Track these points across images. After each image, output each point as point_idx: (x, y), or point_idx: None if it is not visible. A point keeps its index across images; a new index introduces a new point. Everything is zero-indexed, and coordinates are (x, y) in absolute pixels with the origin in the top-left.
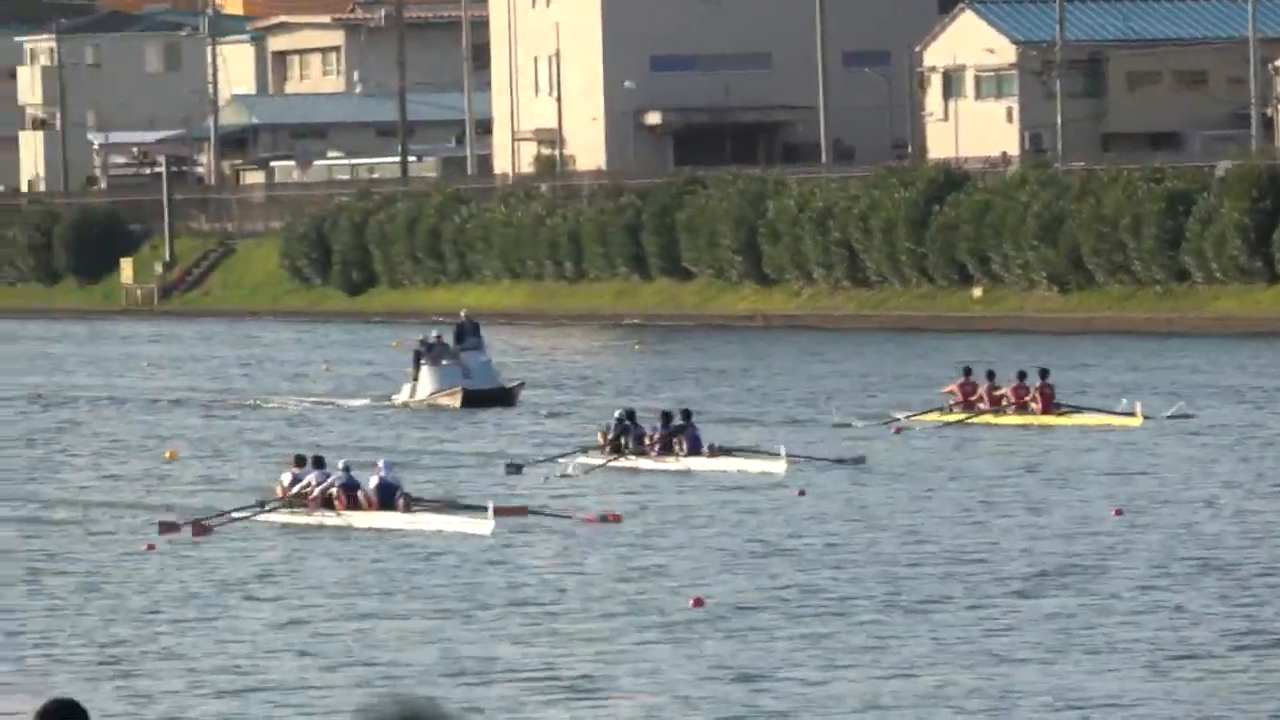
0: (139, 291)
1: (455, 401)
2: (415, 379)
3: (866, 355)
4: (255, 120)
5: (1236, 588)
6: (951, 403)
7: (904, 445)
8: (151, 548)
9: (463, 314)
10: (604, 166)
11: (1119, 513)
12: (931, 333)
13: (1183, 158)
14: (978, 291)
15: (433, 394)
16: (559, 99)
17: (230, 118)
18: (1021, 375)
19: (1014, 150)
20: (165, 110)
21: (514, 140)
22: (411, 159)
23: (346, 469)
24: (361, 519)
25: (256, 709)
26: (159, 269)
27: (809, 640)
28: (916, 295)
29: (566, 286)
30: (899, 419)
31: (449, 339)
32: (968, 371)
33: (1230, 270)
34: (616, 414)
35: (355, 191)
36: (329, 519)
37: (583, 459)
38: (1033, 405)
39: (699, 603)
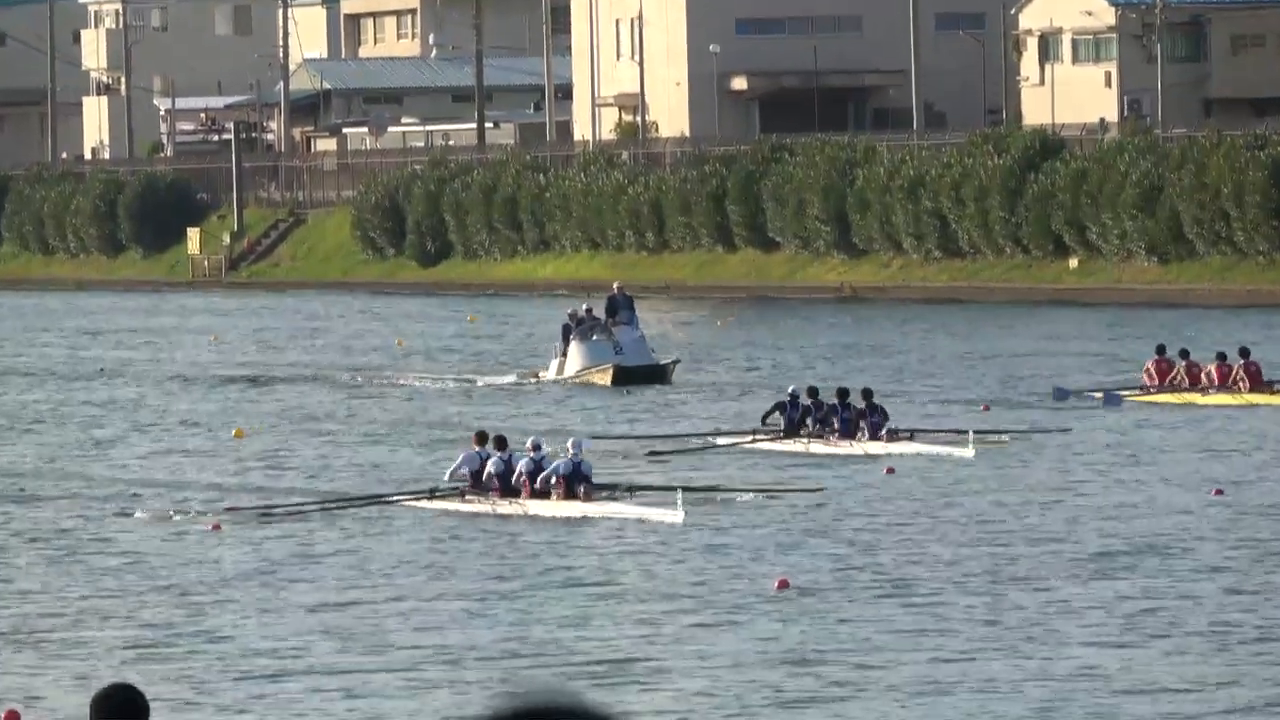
0: (206, 262)
1: (606, 379)
2: (563, 354)
3: (983, 330)
4: (327, 85)
5: None
6: (1147, 382)
7: (1122, 420)
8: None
9: (615, 286)
10: (687, 133)
11: (1219, 492)
12: (1026, 305)
13: None
14: (1074, 263)
15: (582, 370)
16: (641, 63)
17: (301, 83)
18: (1221, 356)
19: (1112, 116)
20: (234, 75)
21: (594, 106)
22: (488, 125)
23: (537, 447)
24: (543, 508)
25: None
26: (227, 239)
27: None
28: (1010, 266)
29: (648, 257)
30: (1099, 395)
31: (600, 312)
32: (1161, 350)
33: None
34: (791, 390)
35: (430, 159)
36: (505, 507)
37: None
38: (1239, 384)
39: (784, 584)
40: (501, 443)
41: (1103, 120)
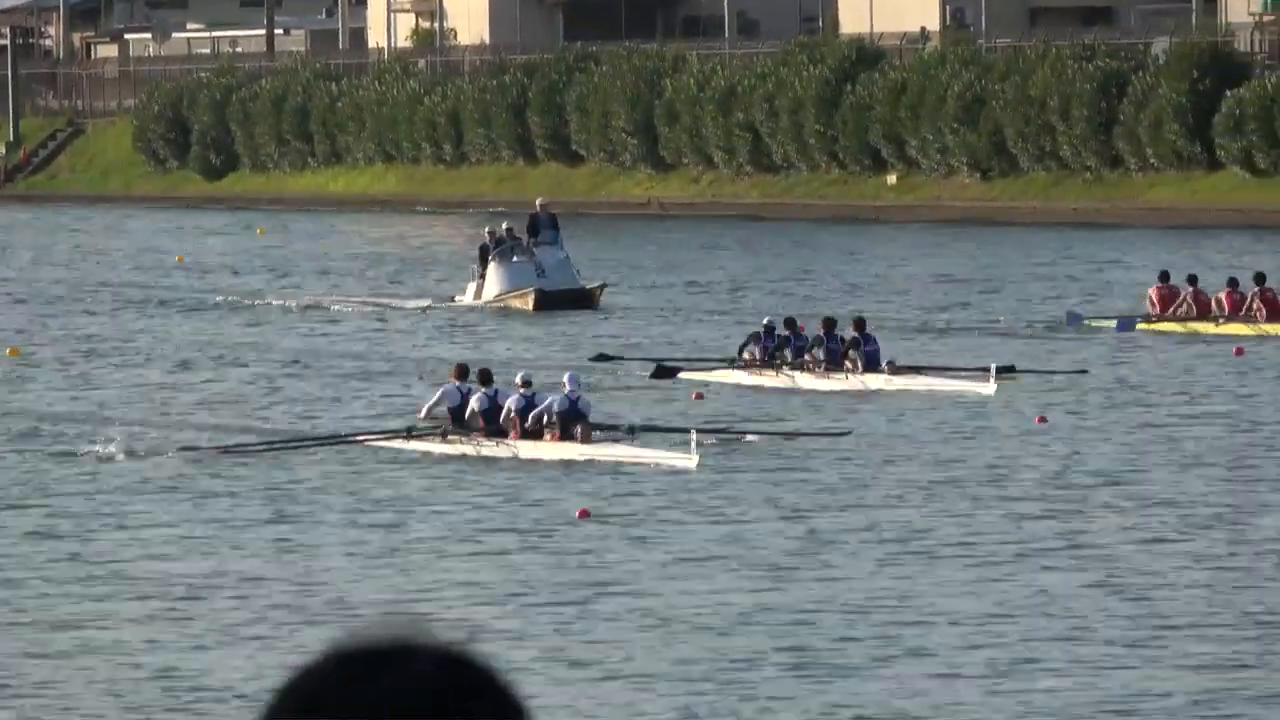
0: None
1: (528, 304)
2: (481, 277)
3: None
4: None
5: None
6: (1149, 310)
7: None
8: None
9: (538, 203)
10: (487, 40)
11: (1042, 420)
12: (844, 222)
13: (1116, 34)
14: (892, 178)
15: (501, 295)
16: None
17: None
18: (1232, 281)
19: (933, 25)
20: None
21: (390, 12)
22: (278, 32)
23: (527, 383)
24: (536, 449)
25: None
26: (2, 150)
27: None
28: (826, 182)
29: (444, 171)
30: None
31: (521, 232)
32: (1165, 276)
33: (1167, 157)
34: (766, 321)
35: (216, 67)
36: (492, 448)
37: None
38: (1257, 313)
39: (584, 514)
40: (486, 377)
41: (923, 29)
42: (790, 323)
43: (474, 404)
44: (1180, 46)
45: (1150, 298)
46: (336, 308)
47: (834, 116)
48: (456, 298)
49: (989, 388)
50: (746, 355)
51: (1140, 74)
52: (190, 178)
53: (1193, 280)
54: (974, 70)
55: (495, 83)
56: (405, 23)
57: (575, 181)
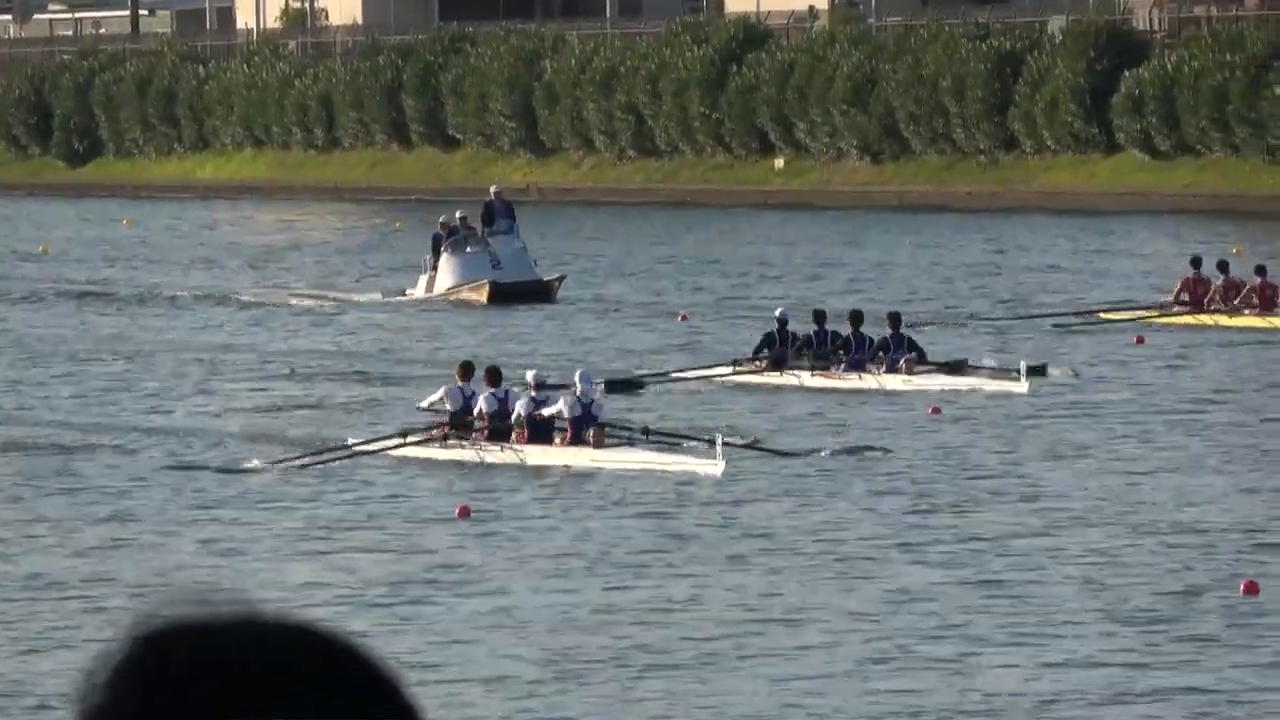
0: None
1: (482, 296)
2: (434, 269)
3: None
4: None
5: None
6: (1174, 302)
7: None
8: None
9: (493, 190)
10: (360, 20)
11: (935, 411)
12: (728, 208)
13: (1011, 13)
14: (780, 162)
15: (454, 287)
16: None
17: None
18: (1260, 270)
19: (822, 4)
20: None
21: None
22: (143, 12)
23: (540, 384)
24: (545, 455)
25: None
26: None
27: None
28: (711, 166)
29: (316, 156)
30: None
31: (475, 221)
32: (1196, 264)
33: (1064, 139)
34: (779, 312)
35: (79, 49)
36: (497, 453)
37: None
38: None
39: (464, 512)
40: (494, 376)
41: (811, 8)
42: (819, 317)
43: (482, 405)
44: (1077, 25)
45: (1181, 287)
46: (278, 300)
47: (719, 98)
48: (408, 291)
49: (1021, 386)
50: (762, 356)
51: (1036, 54)
52: (52, 164)
53: (1223, 268)
54: (864, 50)
55: (368, 64)
56: (274, 2)
57: (451, 167)
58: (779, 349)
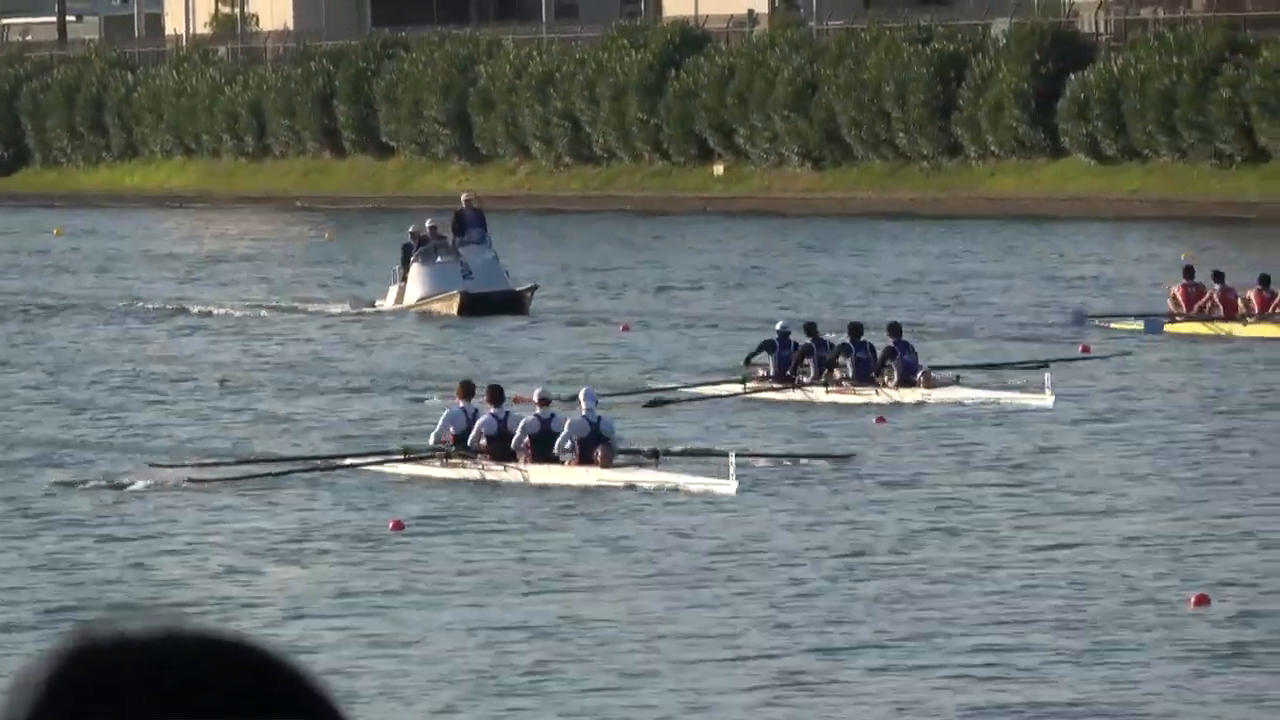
0: None
1: (452, 308)
2: (403, 279)
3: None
4: None
5: None
6: (1172, 310)
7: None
8: None
9: (463, 198)
10: (291, 26)
11: (880, 420)
12: (667, 215)
13: (954, 15)
14: (719, 168)
15: (424, 298)
16: None
17: None
18: (1264, 279)
19: (761, 8)
20: None
21: None
22: (70, 18)
23: (545, 401)
24: (549, 474)
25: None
26: None
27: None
28: (649, 173)
29: (246, 164)
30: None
31: (446, 230)
32: (1189, 272)
33: (1008, 144)
34: (779, 326)
35: (5, 55)
36: (500, 472)
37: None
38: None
39: (398, 525)
40: (496, 395)
41: (751, 11)
42: (811, 328)
43: (480, 426)
44: (1021, 28)
45: (1174, 295)
46: (238, 312)
47: (657, 104)
48: (377, 302)
49: (1046, 399)
50: (755, 362)
51: (979, 57)
52: None
53: (1219, 277)
54: (804, 54)
55: (300, 71)
56: (204, 8)
57: (384, 175)
58: (780, 358)
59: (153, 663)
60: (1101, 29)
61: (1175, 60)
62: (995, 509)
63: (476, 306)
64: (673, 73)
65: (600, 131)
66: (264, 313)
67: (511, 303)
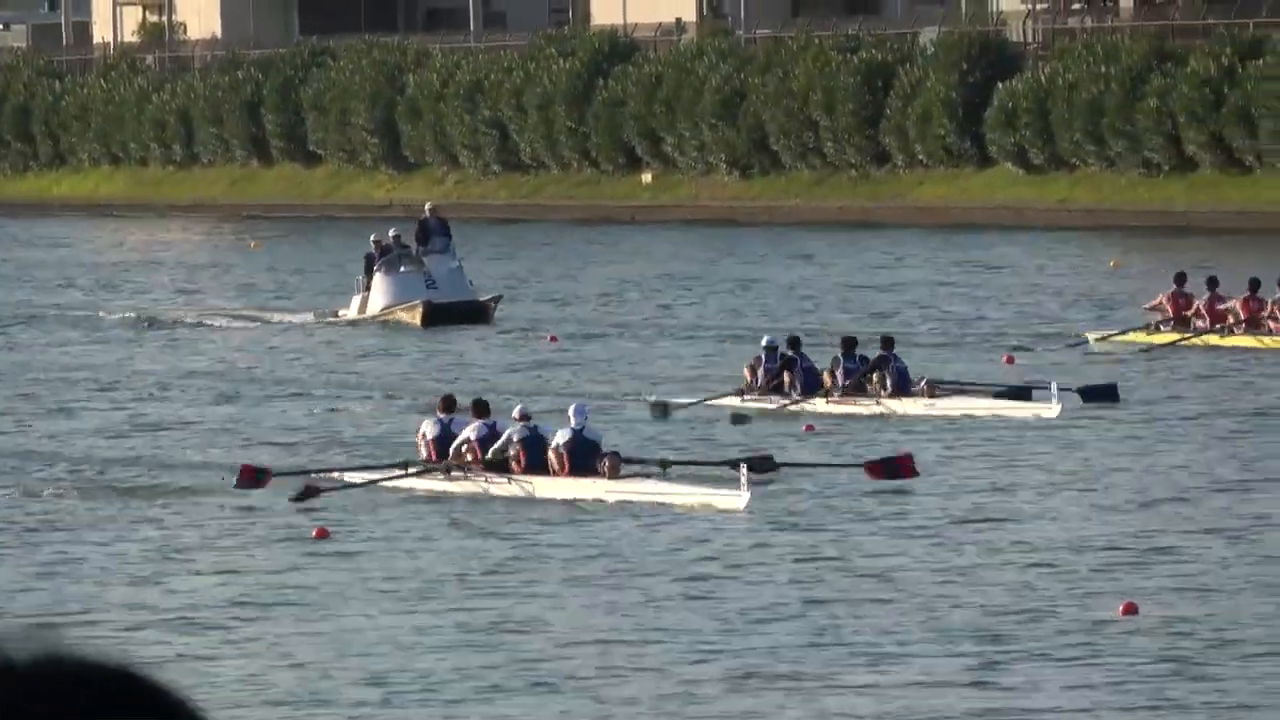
0: None
1: (416, 318)
2: (367, 289)
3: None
4: None
5: None
6: (1159, 319)
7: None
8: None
9: (427, 208)
10: (219, 34)
11: (809, 429)
12: (595, 224)
13: (882, 24)
14: (647, 177)
15: (388, 308)
16: None
17: None
18: (1254, 285)
19: (689, 16)
20: None
21: (115, 5)
22: None
23: (525, 417)
24: (549, 485)
25: None
26: None
27: None
28: (578, 182)
29: (174, 173)
30: (1087, 339)
31: (410, 239)
32: (1180, 279)
33: (936, 153)
34: (766, 341)
35: None
36: (500, 485)
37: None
38: (1271, 323)
39: (321, 533)
40: (481, 408)
41: (679, 20)
42: (795, 342)
43: (471, 435)
44: (949, 37)
45: (1163, 304)
46: (194, 320)
47: (586, 113)
48: (340, 312)
49: (1052, 409)
50: (747, 375)
51: (907, 66)
52: None
53: (1212, 284)
54: (733, 63)
55: (227, 79)
56: (132, 16)
57: (312, 183)
58: (767, 369)
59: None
60: (1029, 38)
61: (1103, 69)
62: (1029, 519)
63: (439, 316)
64: (601, 81)
65: (528, 140)
66: (225, 321)
67: (475, 313)
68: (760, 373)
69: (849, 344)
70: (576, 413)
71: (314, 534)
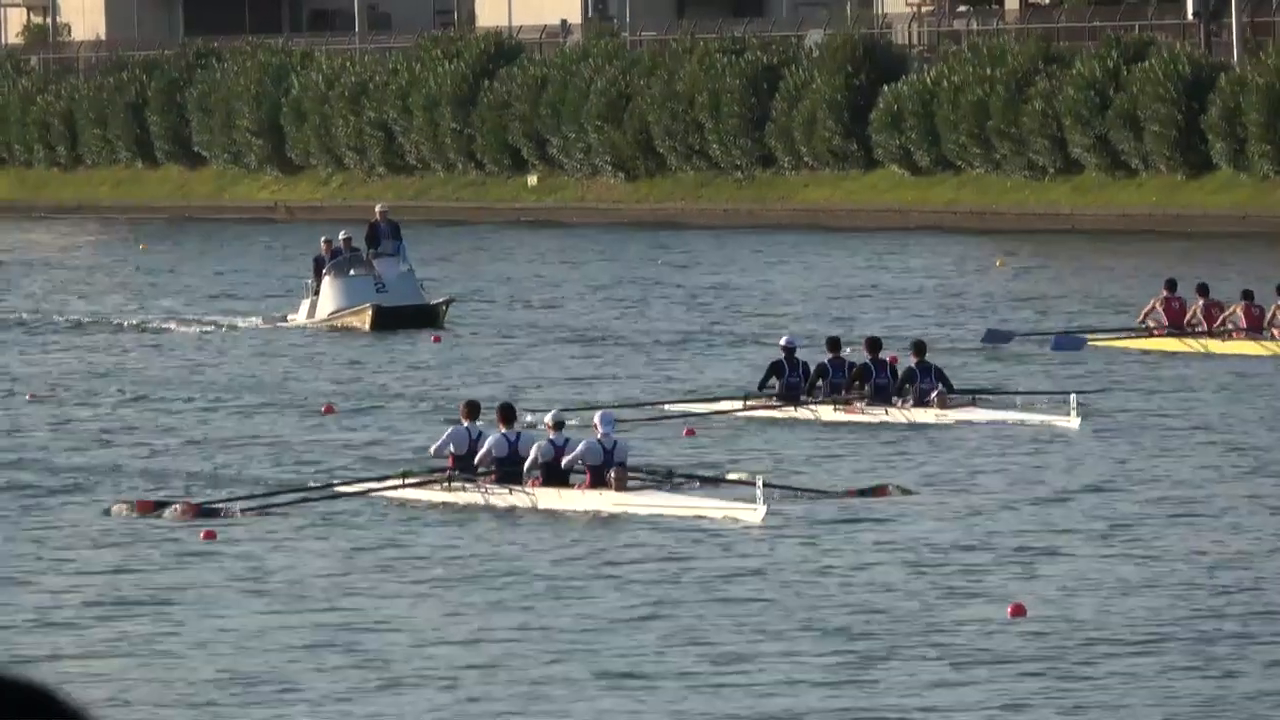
0: None
1: (365, 321)
2: (316, 293)
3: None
4: None
5: None
6: (1152, 325)
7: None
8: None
9: (378, 210)
10: (103, 36)
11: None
12: (480, 226)
13: (768, 26)
14: (533, 179)
15: (337, 312)
16: None
17: None
18: (1247, 294)
19: (575, 18)
20: None
21: None
22: None
23: (558, 424)
24: (562, 499)
25: None
26: None
27: None
28: (463, 184)
29: (59, 175)
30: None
31: (360, 242)
32: (1172, 285)
33: (822, 155)
34: (784, 341)
35: None
36: (505, 496)
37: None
38: (1275, 330)
39: (209, 535)
40: (508, 415)
41: (564, 22)
42: (834, 344)
43: (490, 448)
44: (834, 39)
45: (1155, 309)
46: (154, 323)
47: (471, 114)
48: (289, 316)
49: (1071, 422)
50: (768, 388)
51: (793, 68)
52: None
53: (1203, 290)
54: (618, 65)
55: (112, 81)
56: (16, 17)
57: (197, 185)
58: (790, 378)
59: None
60: (915, 40)
61: (988, 72)
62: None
63: (388, 320)
64: (486, 83)
65: (413, 142)
66: (172, 325)
67: (424, 316)
68: (779, 381)
69: (874, 346)
70: (604, 422)
71: (202, 536)
